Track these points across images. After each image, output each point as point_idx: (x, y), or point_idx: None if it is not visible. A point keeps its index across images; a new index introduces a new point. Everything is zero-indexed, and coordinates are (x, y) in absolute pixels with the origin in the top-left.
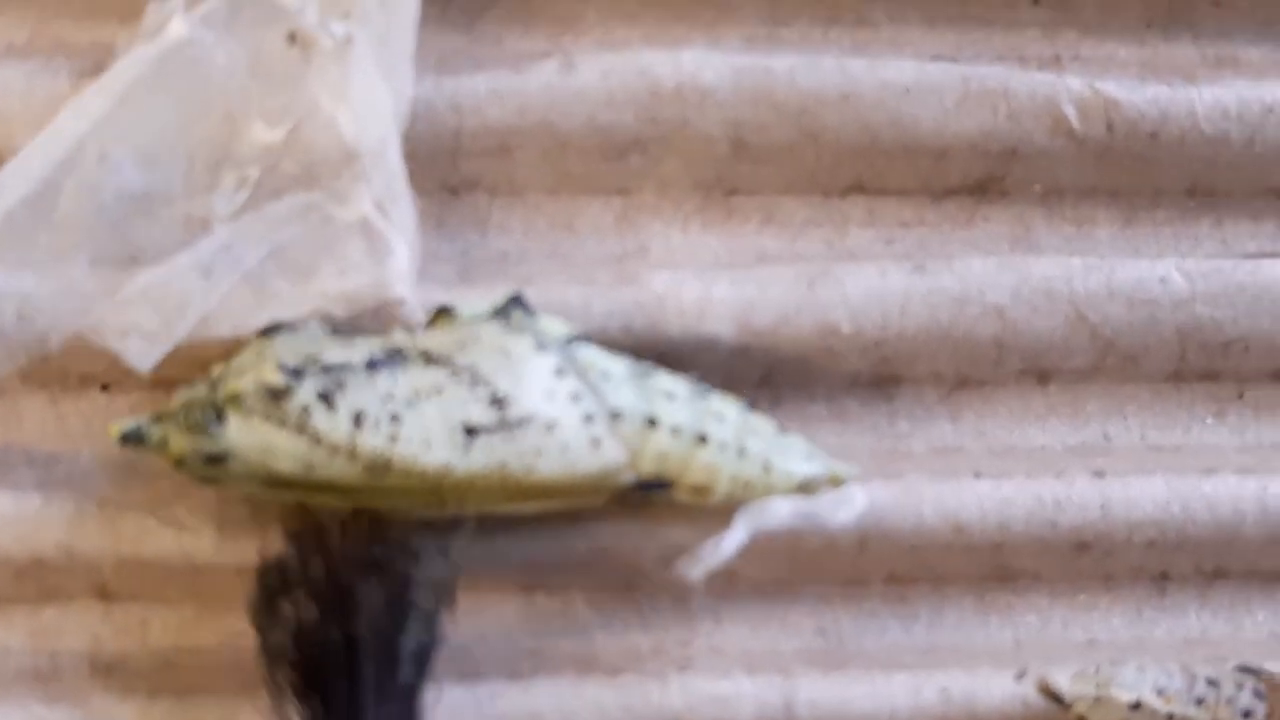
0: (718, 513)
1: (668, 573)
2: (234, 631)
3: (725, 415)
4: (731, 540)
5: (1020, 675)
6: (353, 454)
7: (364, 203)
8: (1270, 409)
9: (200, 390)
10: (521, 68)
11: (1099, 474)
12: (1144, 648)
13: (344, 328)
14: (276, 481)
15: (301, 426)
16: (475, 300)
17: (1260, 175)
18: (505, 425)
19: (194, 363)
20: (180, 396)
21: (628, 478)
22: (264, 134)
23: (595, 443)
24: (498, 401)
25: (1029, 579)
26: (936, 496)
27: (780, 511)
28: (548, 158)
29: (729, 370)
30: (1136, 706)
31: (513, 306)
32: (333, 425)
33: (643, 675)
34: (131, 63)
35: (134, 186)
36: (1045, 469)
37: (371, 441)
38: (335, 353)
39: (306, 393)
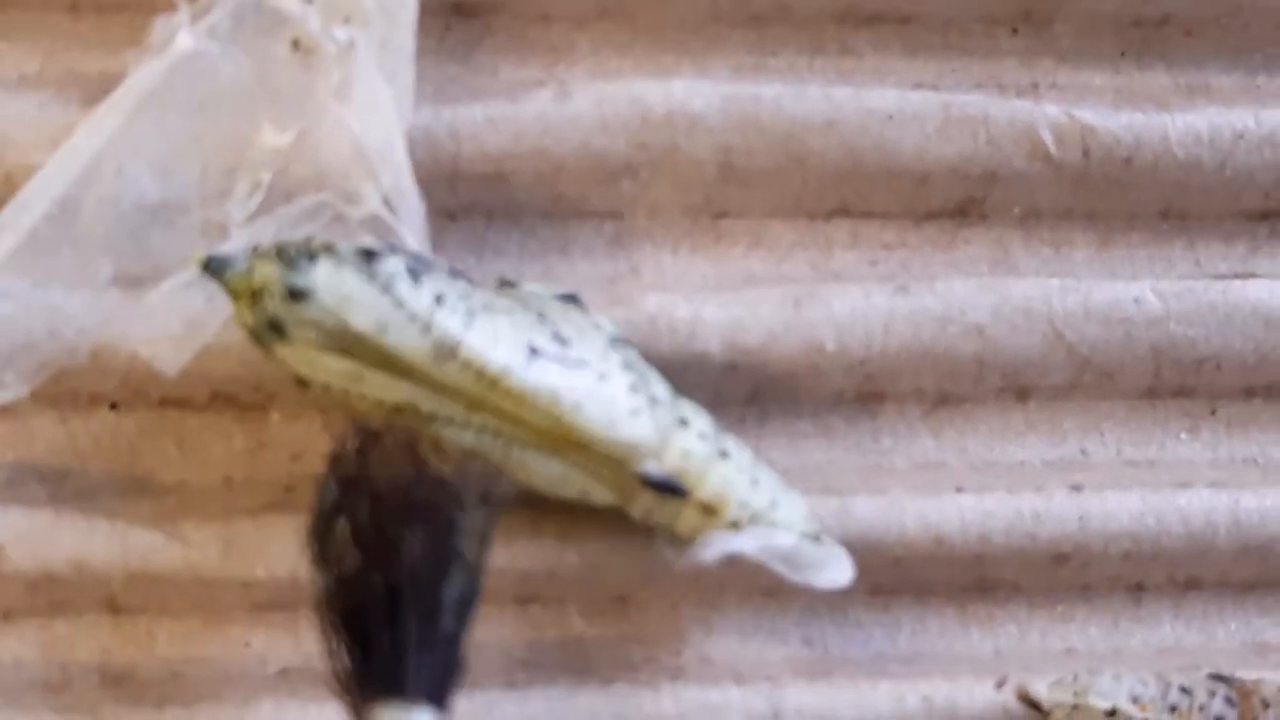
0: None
1: (659, 586)
2: (239, 642)
3: (741, 460)
4: (733, 545)
5: (1000, 684)
6: (428, 327)
7: (373, 200)
8: (1242, 425)
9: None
10: (517, 96)
11: (1077, 488)
12: (1120, 657)
13: None
14: (343, 341)
15: (387, 287)
16: None
17: (1231, 199)
18: (564, 359)
19: (203, 380)
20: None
21: (651, 466)
22: (273, 139)
23: (635, 412)
24: (560, 339)
25: (1009, 590)
26: (919, 510)
27: (785, 540)
28: (542, 183)
29: (718, 388)
30: (1113, 714)
31: (568, 299)
32: (415, 296)
33: (635, 684)
34: (142, 77)
35: (151, 197)
36: (1025, 483)
37: (448, 321)
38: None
39: (397, 263)
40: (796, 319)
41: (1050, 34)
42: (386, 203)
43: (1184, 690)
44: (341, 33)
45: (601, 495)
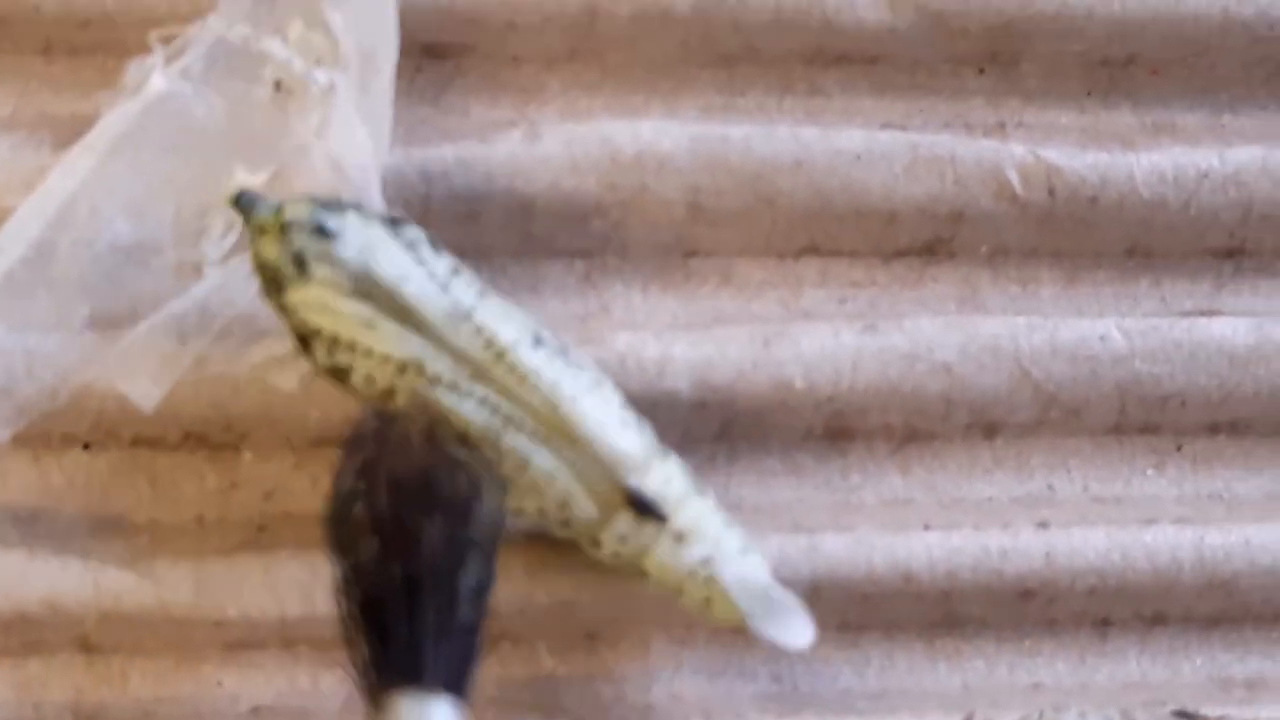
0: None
1: (628, 623)
2: (211, 681)
3: (714, 505)
4: (721, 565)
5: (968, 719)
6: (446, 287)
7: None
8: (1207, 461)
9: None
10: (487, 137)
11: (1043, 525)
12: (1086, 692)
13: None
14: (363, 284)
15: (411, 245)
16: None
17: (1196, 237)
18: (565, 355)
19: (175, 420)
20: None
21: (634, 481)
22: (247, 179)
23: (625, 424)
24: (561, 343)
25: (976, 626)
26: (887, 547)
27: (760, 579)
28: (513, 222)
29: (687, 426)
30: None
31: None
32: (436, 260)
33: None
34: (116, 119)
35: (125, 239)
36: (992, 520)
37: (464, 290)
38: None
39: (417, 232)
40: (765, 357)
41: (1017, 74)
42: None
43: None
44: (323, 75)
45: (582, 506)
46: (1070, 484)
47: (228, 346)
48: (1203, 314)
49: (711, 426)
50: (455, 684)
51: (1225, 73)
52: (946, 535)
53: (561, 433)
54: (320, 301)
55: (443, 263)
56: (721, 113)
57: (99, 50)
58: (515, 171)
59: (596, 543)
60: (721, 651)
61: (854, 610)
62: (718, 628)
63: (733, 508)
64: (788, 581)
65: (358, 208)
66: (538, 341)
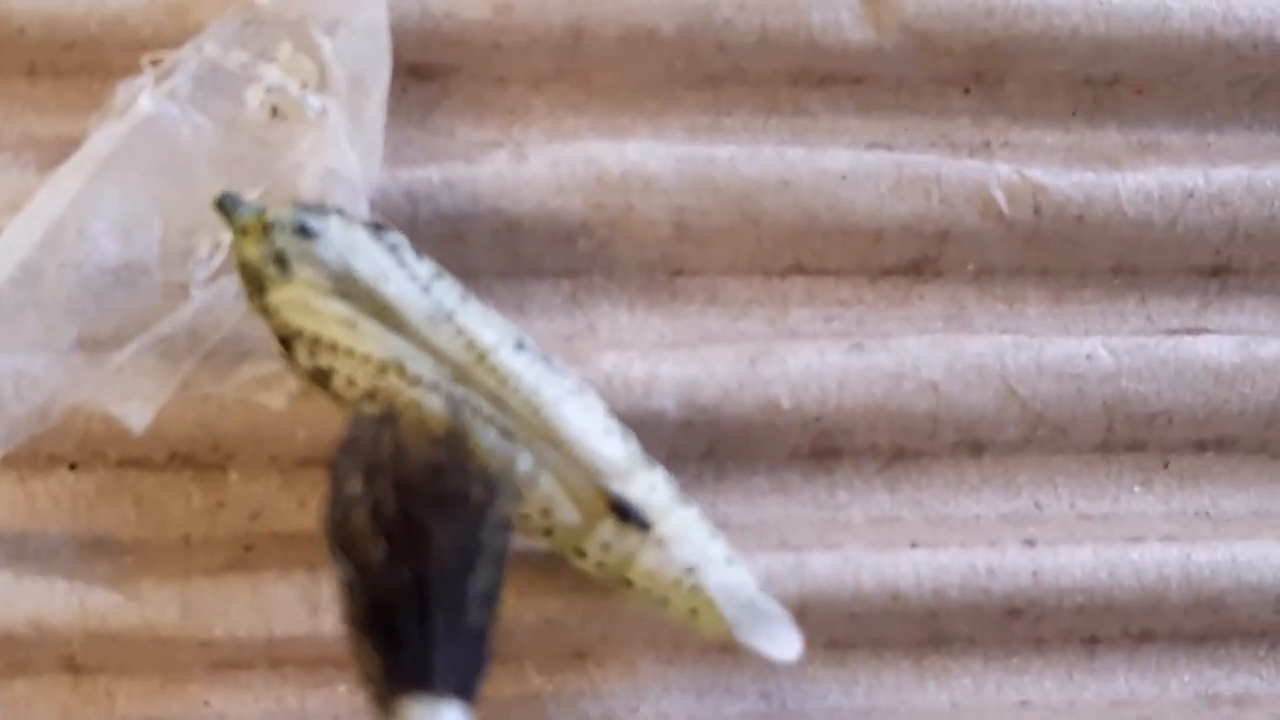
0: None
1: (616, 642)
2: (198, 701)
3: (700, 515)
4: (707, 573)
5: None
6: (428, 289)
7: None
8: (1194, 478)
9: None
10: (473, 158)
11: (1030, 542)
12: (1074, 709)
13: None
14: (344, 284)
15: (393, 249)
16: None
17: (1181, 255)
18: (548, 362)
19: (161, 440)
20: None
21: (617, 487)
22: None
23: (609, 431)
24: (544, 352)
25: (964, 643)
26: (874, 565)
27: (747, 588)
28: (499, 243)
29: (674, 444)
30: None
31: None
32: (417, 264)
33: None
34: (103, 140)
35: (113, 260)
36: (979, 538)
37: (445, 293)
38: None
39: (400, 237)
40: (752, 376)
41: (1002, 93)
42: None
43: None
44: (316, 100)
45: (565, 512)
46: (1057, 502)
47: (215, 367)
48: (1189, 332)
49: (698, 445)
50: (464, 689)
51: (1210, 92)
52: (933, 553)
53: (543, 436)
54: (302, 301)
55: (425, 267)
56: (707, 133)
57: (83, 72)
58: (501, 192)
59: (581, 552)
60: (709, 670)
61: (841, 628)
62: (705, 646)
63: (720, 526)
64: (776, 599)
65: (340, 212)
66: (520, 346)
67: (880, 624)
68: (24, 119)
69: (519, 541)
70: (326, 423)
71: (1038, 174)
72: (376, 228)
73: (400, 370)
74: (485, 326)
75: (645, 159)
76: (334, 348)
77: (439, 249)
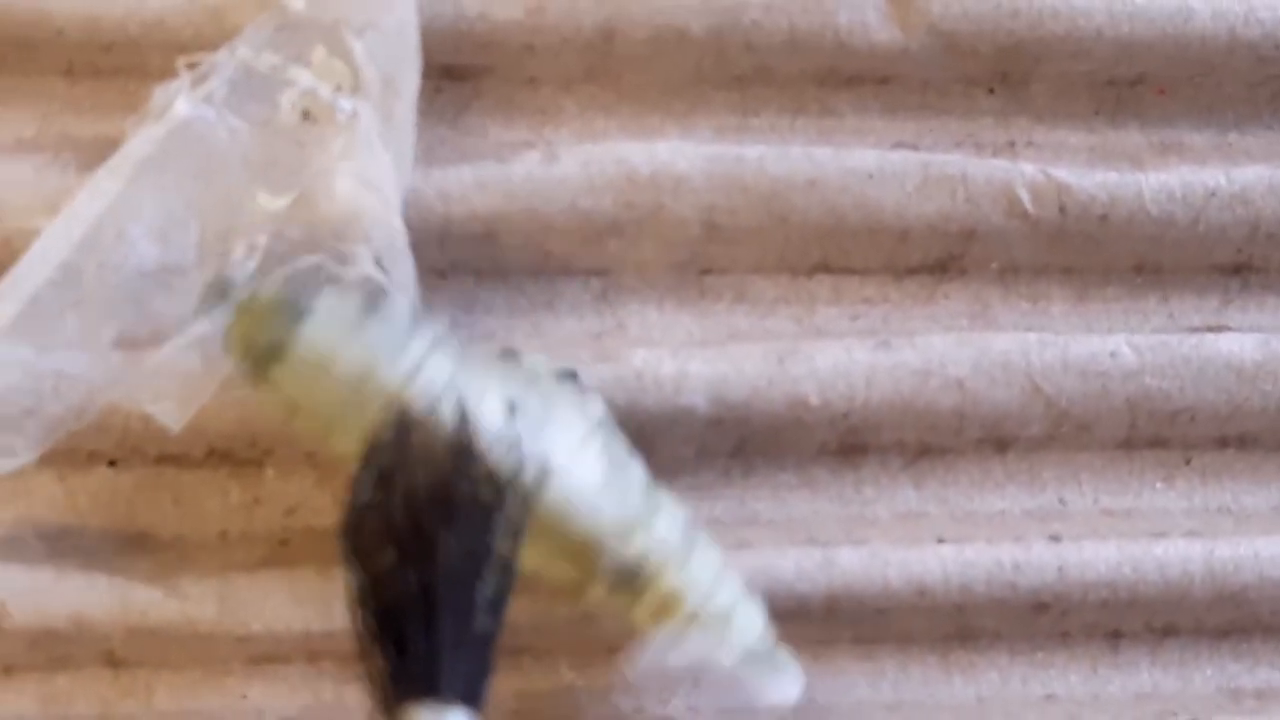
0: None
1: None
2: (236, 694)
3: (708, 559)
4: (670, 653)
5: None
6: (420, 367)
7: (366, 262)
8: (1216, 474)
9: None
10: (505, 158)
11: (1055, 538)
12: (1099, 703)
13: None
14: (334, 370)
15: (388, 321)
16: None
17: (1204, 254)
18: (547, 420)
19: (199, 437)
20: None
21: (611, 559)
22: (268, 203)
23: (605, 494)
24: (546, 404)
25: (990, 638)
26: (902, 561)
27: (721, 663)
28: (530, 242)
29: (703, 441)
30: None
31: (566, 376)
32: (413, 336)
33: None
34: (140, 143)
35: (150, 262)
36: (1004, 533)
37: (438, 369)
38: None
39: (395, 308)
40: (781, 374)
41: (1026, 94)
42: (379, 264)
43: None
44: (347, 102)
45: (556, 575)
46: (1081, 498)
47: None
48: (1211, 329)
49: (728, 442)
50: (471, 696)
51: (1231, 92)
52: (960, 549)
53: (538, 526)
54: (296, 380)
55: (420, 340)
56: (736, 133)
57: (121, 73)
58: (533, 192)
59: (577, 597)
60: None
61: (869, 623)
62: None
63: (748, 522)
64: (804, 594)
65: (335, 281)
66: (511, 410)
67: (907, 619)
68: (62, 119)
69: None
70: None
71: (1063, 173)
72: (371, 296)
73: None
74: (479, 400)
75: (675, 159)
76: (329, 426)
77: (470, 248)
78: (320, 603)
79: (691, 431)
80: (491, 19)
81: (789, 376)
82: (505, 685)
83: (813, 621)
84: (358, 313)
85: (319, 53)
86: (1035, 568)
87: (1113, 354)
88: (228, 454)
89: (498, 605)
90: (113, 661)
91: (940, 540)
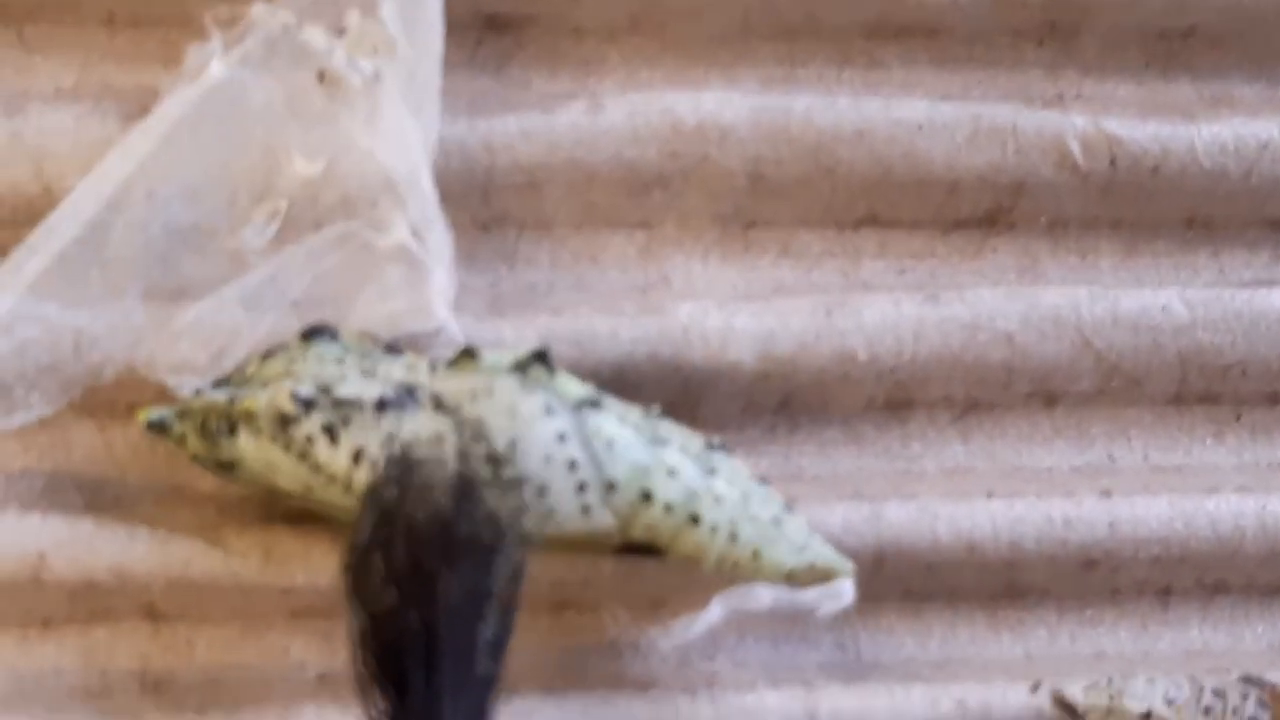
0: None
1: (692, 591)
2: (278, 649)
3: (724, 498)
4: (705, 621)
5: (1035, 687)
6: (348, 487)
7: (401, 230)
8: (1266, 430)
9: (221, 398)
10: (550, 108)
11: (1106, 494)
12: (1149, 659)
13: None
14: (279, 494)
15: (304, 455)
16: (507, 329)
17: (1256, 207)
18: (499, 483)
19: None
20: (206, 396)
21: (616, 541)
22: (303, 168)
23: (585, 509)
24: (494, 460)
25: (1039, 595)
26: (950, 516)
27: (762, 598)
28: (574, 193)
29: (749, 396)
30: (1147, 716)
31: (534, 361)
32: (333, 458)
33: (671, 689)
34: (174, 103)
35: (180, 222)
36: (1054, 489)
37: (367, 478)
38: (351, 385)
39: (313, 424)
40: (828, 328)
41: (1076, 46)
42: (414, 231)
43: (1216, 693)
44: (368, 65)
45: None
46: (1131, 453)
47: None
48: (1262, 284)
49: (773, 397)
50: None
51: None
52: (1010, 504)
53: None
54: (257, 490)
55: (343, 452)
56: (782, 84)
57: (161, 23)
58: (577, 142)
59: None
60: (785, 619)
61: (918, 579)
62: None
63: (794, 478)
64: (852, 550)
65: (249, 417)
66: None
67: (956, 575)
68: (102, 68)
69: None
70: None
71: (1113, 126)
72: (284, 421)
73: None
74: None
75: (721, 109)
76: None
77: (514, 199)
78: None
79: (737, 386)
80: None
81: (836, 330)
82: (550, 641)
83: (860, 577)
84: (274, 447)
85: (354, 15)
86: (1086, 523)
87: (1164, 308)
88: None
89: (498, 647)
90: (153, 614)
91: (990, 495)
